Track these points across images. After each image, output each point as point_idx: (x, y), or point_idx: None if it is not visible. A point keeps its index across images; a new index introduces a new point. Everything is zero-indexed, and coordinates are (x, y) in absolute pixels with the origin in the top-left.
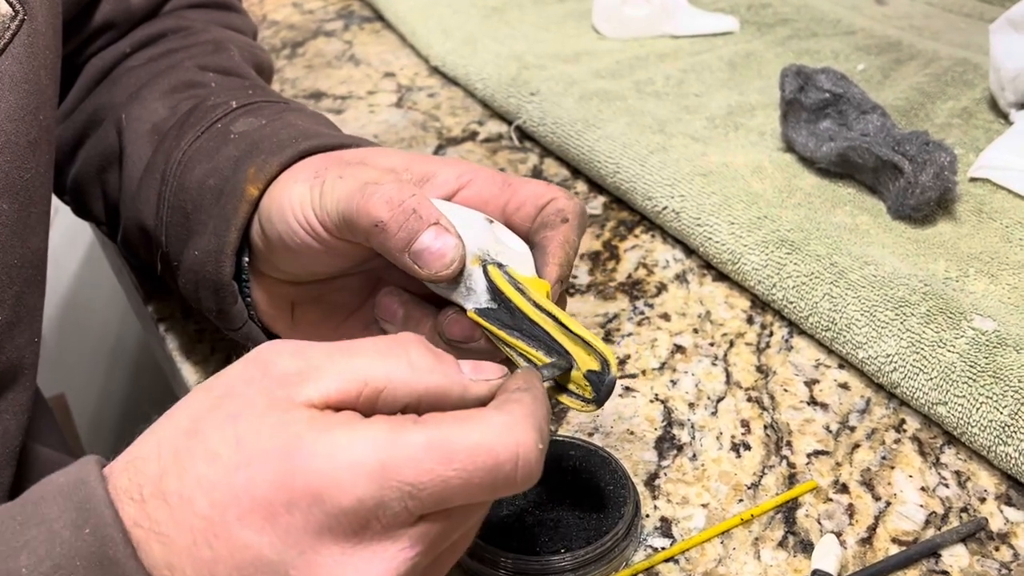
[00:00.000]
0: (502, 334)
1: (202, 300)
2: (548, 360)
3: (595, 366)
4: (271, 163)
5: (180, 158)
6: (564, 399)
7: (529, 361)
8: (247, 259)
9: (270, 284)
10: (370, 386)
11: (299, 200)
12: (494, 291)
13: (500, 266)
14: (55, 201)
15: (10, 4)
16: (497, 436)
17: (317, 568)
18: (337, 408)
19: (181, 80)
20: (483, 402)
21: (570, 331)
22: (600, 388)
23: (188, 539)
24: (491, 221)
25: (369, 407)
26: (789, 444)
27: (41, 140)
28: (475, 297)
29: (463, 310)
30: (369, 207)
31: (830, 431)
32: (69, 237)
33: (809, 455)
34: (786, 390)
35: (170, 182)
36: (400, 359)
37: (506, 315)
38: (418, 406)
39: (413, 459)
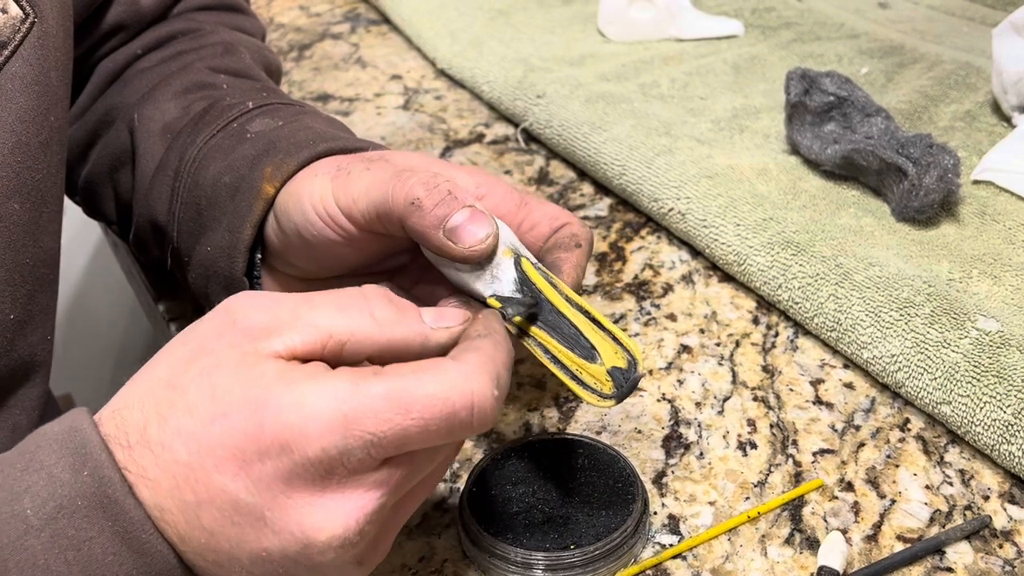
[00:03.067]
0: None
1: (211, 296)
2: (572, 354)
3: (621, 363)
4: (289, 163)
5: (195, 155)
6: (581, 393)
7: (547, 352)
8: (259, 256)
9: (283, 281)
10: (334, 339)
11: (320, 192)
12: (524, 282)
13: (531, 261)
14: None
15: (20, 7)
16: (452, 386)
17: (289, 511)
18: (304, 359)
19: (193, 81)
20: (445, 349)
21: (601, 326)
22: (623, 384)
23: (171, 483)
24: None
25: (335, 358)
26: (795, 443)
27: (52, 141)
28: (498, 286)
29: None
30: (406, 187)
31: (835, 430)
32: (77, 237)
33: (815, 454)
34: (792, 390)
35: (184, 178)
36: (363, 312)
37: None
38: (381, 357)
39: (373, 410)
